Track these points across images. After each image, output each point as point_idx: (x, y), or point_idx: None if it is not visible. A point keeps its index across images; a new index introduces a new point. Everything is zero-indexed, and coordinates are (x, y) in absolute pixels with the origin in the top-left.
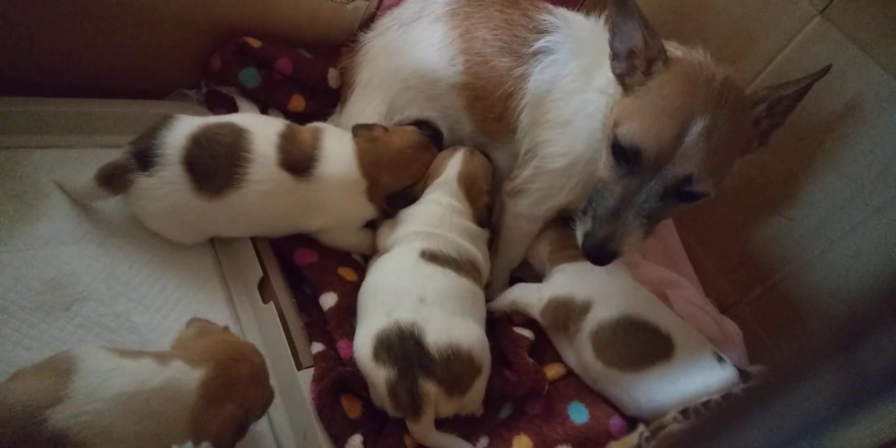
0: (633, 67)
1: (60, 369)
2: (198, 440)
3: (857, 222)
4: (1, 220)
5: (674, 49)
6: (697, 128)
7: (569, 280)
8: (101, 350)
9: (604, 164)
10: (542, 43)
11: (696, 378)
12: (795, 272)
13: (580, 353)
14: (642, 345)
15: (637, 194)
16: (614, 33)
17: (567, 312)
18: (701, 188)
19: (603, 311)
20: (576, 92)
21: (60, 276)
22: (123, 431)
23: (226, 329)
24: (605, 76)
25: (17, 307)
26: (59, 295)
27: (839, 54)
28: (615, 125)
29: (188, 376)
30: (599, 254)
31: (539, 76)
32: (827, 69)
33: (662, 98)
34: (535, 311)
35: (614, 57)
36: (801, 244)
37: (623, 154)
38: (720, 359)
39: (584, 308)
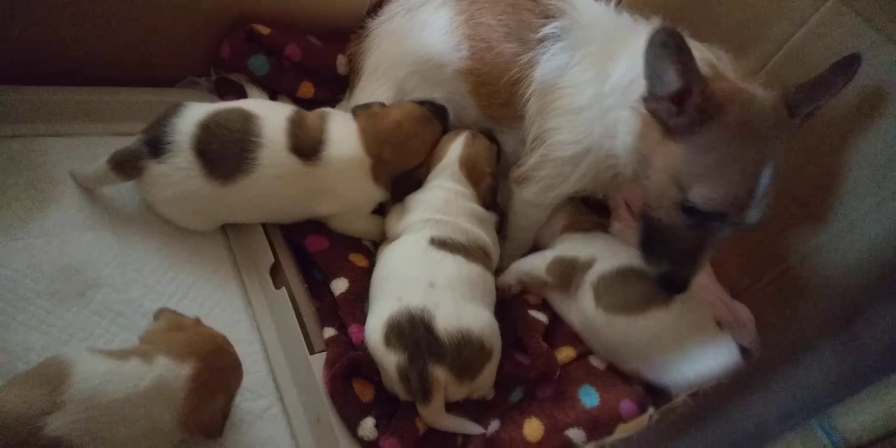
0: (678, 111)
1: (53, 376)
2: (190, 432)
3: (873, 205)
4: (15, 208)
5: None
6: (768, 172)
7: (574, 243)
8: (90, 354)
9: (667, 214)
10: (548, 29)
11: (695, 339)
12: (809, 257)
13: (581, 305)
14: (642, 288)
15: (712, 238)
16: (652, 76)
17: (571, 269)
18: (766, 220)
19: (604, 265)
20: (588, 82)
21: (75, 263)
22: (119, 434)
23: (197, 321)
24: (622, 75)
25: (33, 294)
26: (73, 281)
27: (854, 37)
28: (679, 184)
29: (176, 373)
30: (679, 288)
31: (547, 64)
32: (853, 60)
33: (729, 153)
34: (541, 270)
35: (651, 97)
36: (814, 228)
37: (697, 211)
38: (720, 324)
39: (588, 264)
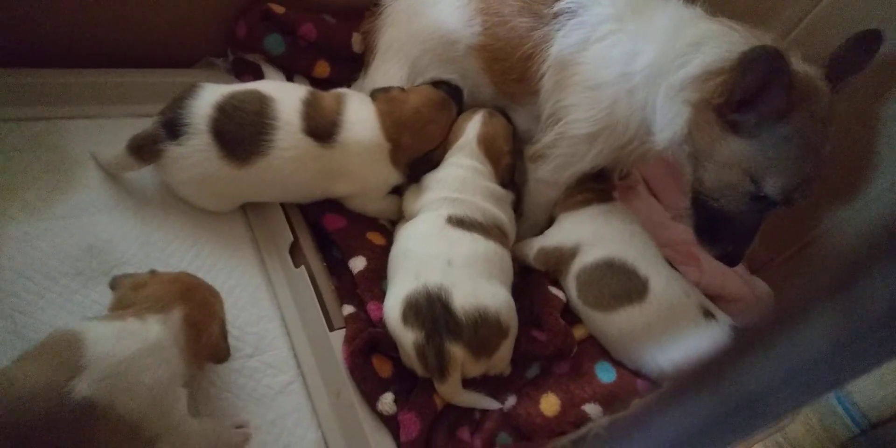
0: (745, 110)
1: (66, 345)
2: (201, 366)
3: (884, 189)
4: (39, 189)
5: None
6: (826, 152)
7: (560, 231)
8: (88, 321)
9: (733, 203)
10: (564, 4)
11: (673, 328)
12: (829, 232)
13: (569, 294)
14: (616, 285)
15: (766, 217)
16: (748, 91)
17: (557, 258)
18: None
19: (586, 257)
20: (613, 60)
21: (98, 243)
22: (143, 385)
23: (152, 272)
24: (657, 55)
25: (58, 273)
26: (97, 261)
27: (877, 7)
28: (753, 178)
29: (171, 320)
30: (736, 262)
31: (564, 40)
32: (875, 35)
33: (800, 144)
34: (530, 259)
35: (737, 106)
36: (834, 203)
37: (767, 199)
38: (707, 314)
39: (572, 254)
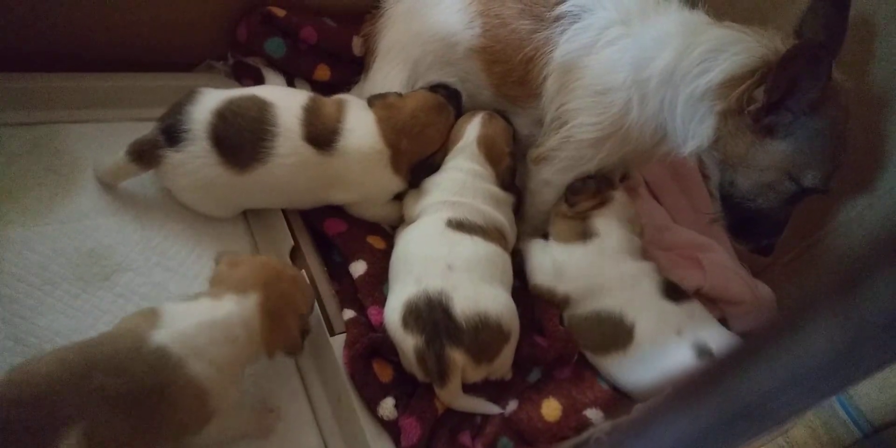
0: (776, 111)
1: (148, 314)
2: (271, 354)
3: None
4: (40, 193)
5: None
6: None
7: (552, 271)
8: (166, 303)
9: (767, 200)
10: (566, 7)
11: (660, 369)
12: (830, 234)
13: None
14: (603, 335)
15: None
16: (787, 89)
17: (550, 297)
18: None
19: (576, 308)
20: (623, 64)
21: (99, 248)
22: (211, 354)
23: (254, 254)
24: (672, 61)
25: (59, 278)
26: (98, 266)
27: (883, 4)
28: (792, 176)
29: (245, 303)
30: (770, 253)
31: (568, 44)
32: None
33: (831, 135)
34: (530, 284)
35: (771, 108)
36: (836, 205)
37: (805, 191)
38: (703, 352)
39: (564, 301)
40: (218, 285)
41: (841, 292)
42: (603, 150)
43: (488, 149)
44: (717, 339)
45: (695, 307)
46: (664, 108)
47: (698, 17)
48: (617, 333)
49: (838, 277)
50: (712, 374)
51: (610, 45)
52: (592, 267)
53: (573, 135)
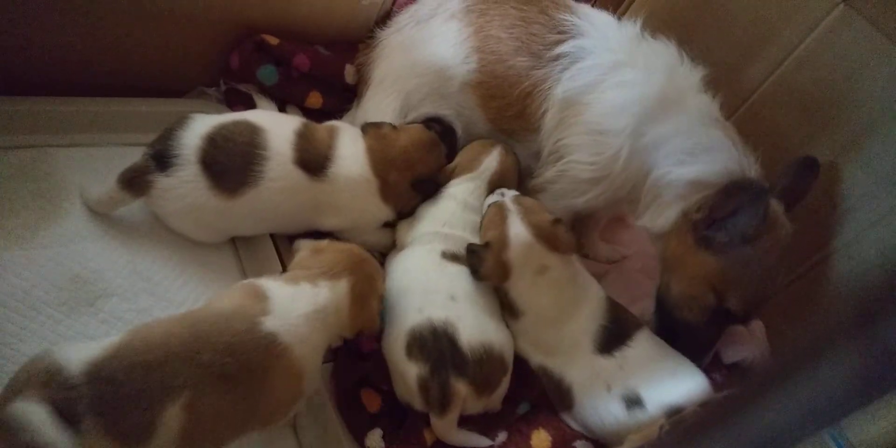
0: (718, 228)
1: (255, 292)
2: (352, 334)
3: (884, 214)
4: (27, 217)
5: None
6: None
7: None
8: (270, 280)
9: (694, 315)
10: (567, 47)
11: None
12: (819, 265)
13: None
14: (552, 393)
15: (722, 332)
16: (727, 214)
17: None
18: None
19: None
20: (626, 111)
21: (85, 273)
22: (311, 341)
23: (331, 240)
24: (670, 133)
25: (42, 303)
26: (83, 291)
27: (863, 43)
28: (716, 292)
29: (338, 288)
30: None
31: (570, 82)
32: (811, 162)
33: (764, 266)
34: None
35: (712, 224)
36: (824, 236)
37: (726, 313)
38: (633, 403)
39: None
40: (303, 271)
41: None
42: (597, 189)
43: (496, 185)
44: (649, 386)
45: (627, 354)
46: (641, 171)
47: (711, 109)
48: (562, 391)
49: (850, 315)
50: (724, 409)
51: (619, 88)
52: (533, 332)
53: (569, 170)
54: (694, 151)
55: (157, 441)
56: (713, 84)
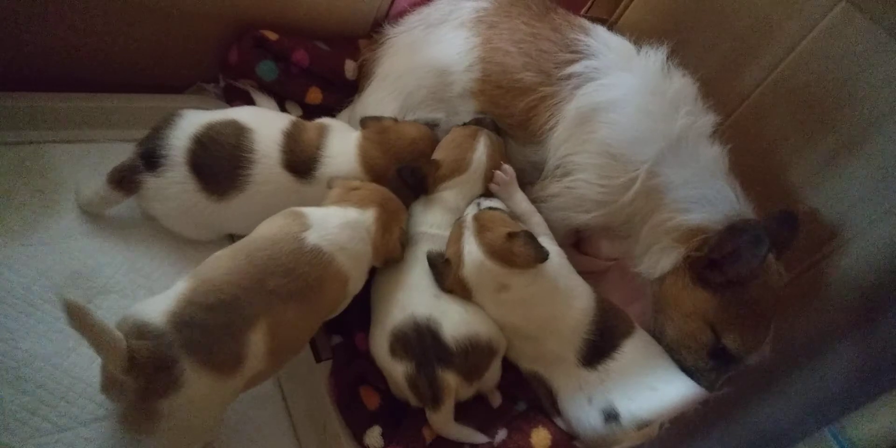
0: (716, 267)
1: (292, 214)
2: (378, 259)
3: (884, 211)
4: (25, 214)
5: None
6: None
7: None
8: (306, 208)
9: (693, 357)
10: (579, 68)
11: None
12: (819, 263)
13: None
14: (543, 398)
15: (723, 377)
16: (728, 254)
17: None
18: None
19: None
20: (648, 140)
21: (83, 269)
22: (350, 248)
23: (363, 182)
24: (682, 181)
25: (41, 300)
26: (81, 287)
27: (865, 40)
28: (715, 331)
29: (366, 215)
30: None
31: (584, 99)
32: (789, 216)
33: (765, 310)
34: None
35: (710, 263)
36: (824, 236)
37: (725, 354)
38: (609, 417)
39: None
40: (337, 203)
41: (854, 326)
42: (601, 210)
43: (490, 176)
44: (625, 400)
45: (610, 367)
46: (645, 209)
47: (721, 162)
48: (551, 398)
49: (850, 312)
50: (725, 405)
51: (642, 115)
52: (517, 344)
53: (576, 187)
54: (700, 201)
55: (250, 363)
56: (713, 84)
